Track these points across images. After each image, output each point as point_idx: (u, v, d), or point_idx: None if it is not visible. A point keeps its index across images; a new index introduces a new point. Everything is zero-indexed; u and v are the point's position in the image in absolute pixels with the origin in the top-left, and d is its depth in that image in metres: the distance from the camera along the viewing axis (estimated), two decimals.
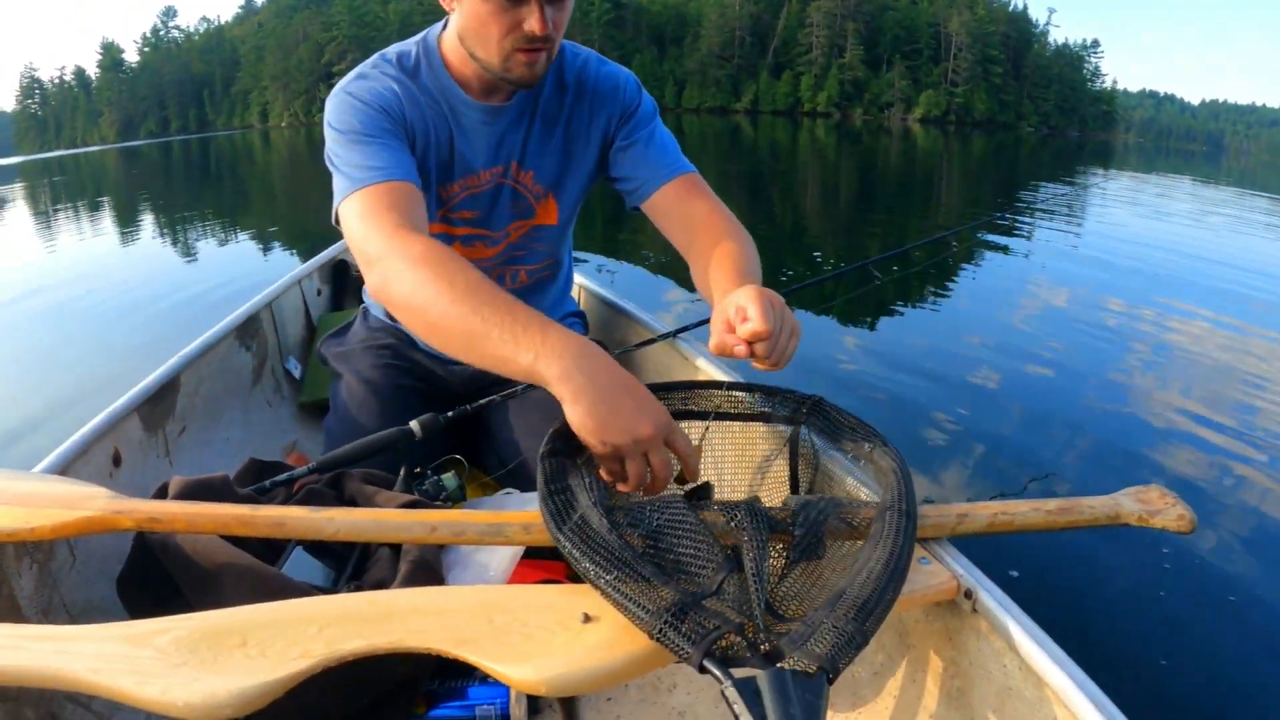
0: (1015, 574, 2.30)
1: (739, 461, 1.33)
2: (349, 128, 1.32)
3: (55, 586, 1.19)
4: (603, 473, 1.00)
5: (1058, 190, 14.05)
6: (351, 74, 1.43)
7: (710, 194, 1.50)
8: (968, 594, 1.04)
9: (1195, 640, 2.18)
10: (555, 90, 1.51)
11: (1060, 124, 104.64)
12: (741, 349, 1.06)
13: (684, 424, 1.25)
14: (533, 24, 1.26)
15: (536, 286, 1.74)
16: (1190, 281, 7.25)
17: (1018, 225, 10.21)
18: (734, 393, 1.30)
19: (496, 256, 1.61)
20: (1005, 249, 8.54)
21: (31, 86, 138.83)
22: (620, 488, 1.00)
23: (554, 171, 1.56)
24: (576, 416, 0.96)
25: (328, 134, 1.36)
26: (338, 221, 1.30)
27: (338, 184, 1.29)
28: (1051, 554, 2.47)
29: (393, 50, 1.47)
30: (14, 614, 1.09)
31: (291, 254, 8.07)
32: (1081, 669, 0.90)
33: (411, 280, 1.10)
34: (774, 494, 1.29)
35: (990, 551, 2.43)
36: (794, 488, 1.28)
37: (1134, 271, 7.61)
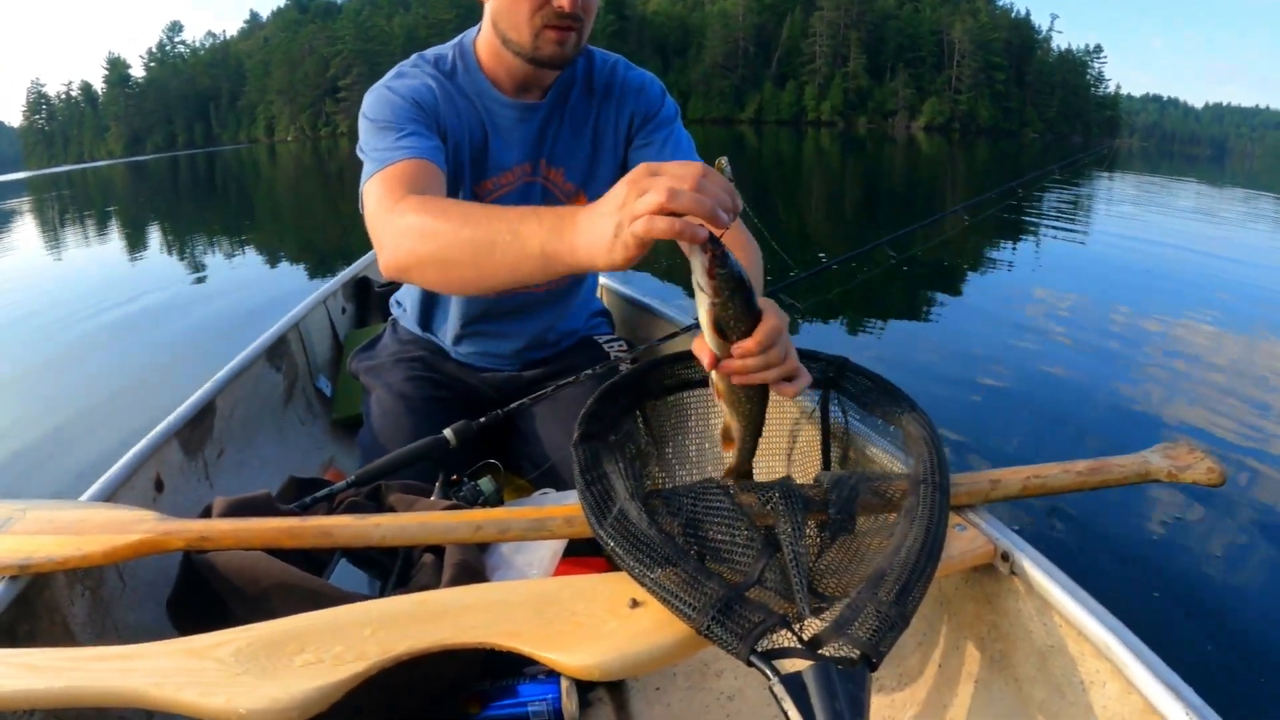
0: (1050, 536, 2.31)
1: (771, 435, 1.33)
2: (380, 117, 1.36)
3: (107, 612, 1.20)
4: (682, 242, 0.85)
5: (1064, 192, 14.09)
6: (390, 72, 1.48)
7: None
8: (1004, 557, 1.06)
9: (1230, 589, 2.20)
10: (585, 91, 1.57)
11: (1064, 130, 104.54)
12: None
13: (710, 389, 1.25)
14: (562, 0, 1.30)
15: (571, 289, 1.77)
16: (1216, 263, 7.32)
17: (1029, 210, 10.25)
18: None
19: None
20: (1018, 233, 8.59)
21: (38, 102, 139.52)
22: (685, 211, 0.81)
23: (583, 169, 1.59)
24: (610, 262, 0.87)
25: (361, 125, 1.39)
26: (364, 207, 1.30)
27: (364, 172, 1.30)
28: (1085, 515, 2.49)
29: (430, 52, 1.53)
30: (69, 641, 1.10)
31: (302, 267, 8.11)
32: (1120, 622, 0.91)
33: (410, 236, 1.10)
34: (807, 463, 1.31)
35: (1024, 515, 2.45)
36: (825, 455, 1.29)
37: (1151, 254, 7.69)
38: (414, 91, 1.40)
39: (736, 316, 0.92)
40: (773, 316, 0.95)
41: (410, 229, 1.10)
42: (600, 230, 0.85)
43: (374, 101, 1.39)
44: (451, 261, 1.05)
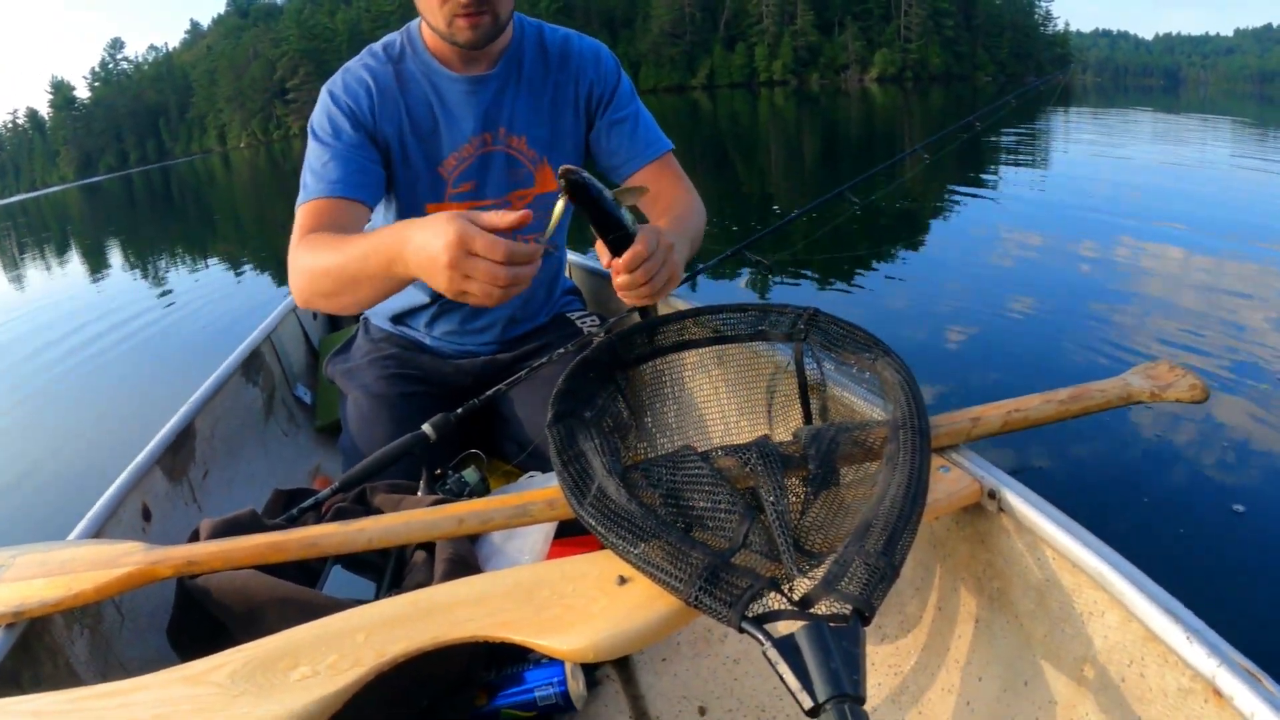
0: (1037, 469, 2.30)
1: (749, 393, 1.34)
2: (321, 129, 1.46)
3: (109, 647, 1.19)
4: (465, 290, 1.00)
5: (1023, 125, 14.11)
6: (342, 67, 1.54)
7: (678, 172, 1.63)
8: (991, 495, 1.05)
9: (1220, 505, 2.19)
10: (538, 58, 1.59)
11: (1017, 71, 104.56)
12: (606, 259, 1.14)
13: (684, 354, 1.29)
14: None
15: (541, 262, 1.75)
16: (1173, 187, 7.36)
17: (989, 145, 10.26)
18: (729, 315, 1.30)
19: None
20: (980, 171, 8.61)
21: None
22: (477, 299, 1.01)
23: (545, 136, 1.61)
24: (437, 285, 1.02)
25: (309, 132, 1.48)
26: None
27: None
28: (1071, 444, 2.49)
29: (380, 41, 1.57)
30: (73, 681, 1.09)
31: (268, 274, 8.00)
32: (1114, 550, 0.91)
33: (301, 275, 1.29)
34: (788, 418, 1.30)
35: (1008, 452, 2.45)
36: (805, 409, 1.29)
37: (1112, 181, 7.72)
38: (352, 96, 1.47)
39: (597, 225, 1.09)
40: (641, 242, 1.09)
41: (301, 269, 1.29)
42: (435, 277, 1.01)
43: (317, 110, 1.48)
44: (333, 292, 1.24)
